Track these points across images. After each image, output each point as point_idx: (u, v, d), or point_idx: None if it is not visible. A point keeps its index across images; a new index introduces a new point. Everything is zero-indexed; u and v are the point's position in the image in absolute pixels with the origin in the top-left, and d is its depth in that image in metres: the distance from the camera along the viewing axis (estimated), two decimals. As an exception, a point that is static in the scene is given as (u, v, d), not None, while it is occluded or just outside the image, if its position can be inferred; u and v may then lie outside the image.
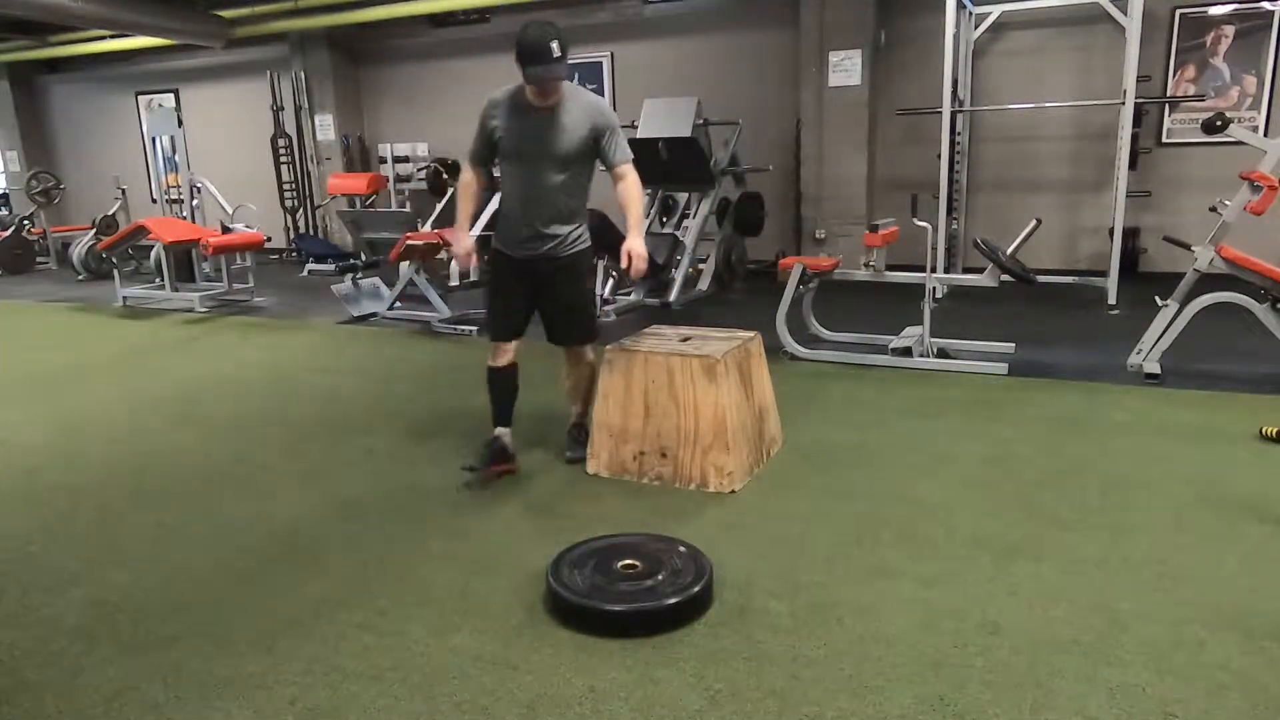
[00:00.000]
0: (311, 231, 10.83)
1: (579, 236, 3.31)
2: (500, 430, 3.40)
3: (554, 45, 2.98)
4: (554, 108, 3.13)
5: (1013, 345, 4.92)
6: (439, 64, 10.19)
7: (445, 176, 8.80)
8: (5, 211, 11.96)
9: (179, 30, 9.65)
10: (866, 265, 4.99)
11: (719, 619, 2.26)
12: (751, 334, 3.46)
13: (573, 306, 3.36)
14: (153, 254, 7.77)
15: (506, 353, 3.37)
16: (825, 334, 5.26)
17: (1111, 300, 6.18)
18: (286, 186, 10.60)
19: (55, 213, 11.17)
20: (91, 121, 12.71)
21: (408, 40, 10.19)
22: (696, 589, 2.27)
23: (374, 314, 6.63)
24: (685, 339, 3.33)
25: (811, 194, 8.11)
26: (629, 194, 3.20)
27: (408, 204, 9.53)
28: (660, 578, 2.32)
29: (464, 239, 3.37)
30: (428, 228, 8.08)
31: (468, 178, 3.37)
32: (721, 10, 8.59)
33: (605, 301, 6.48)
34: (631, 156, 3.23)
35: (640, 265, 3.13)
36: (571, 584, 2.30)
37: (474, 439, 3.77)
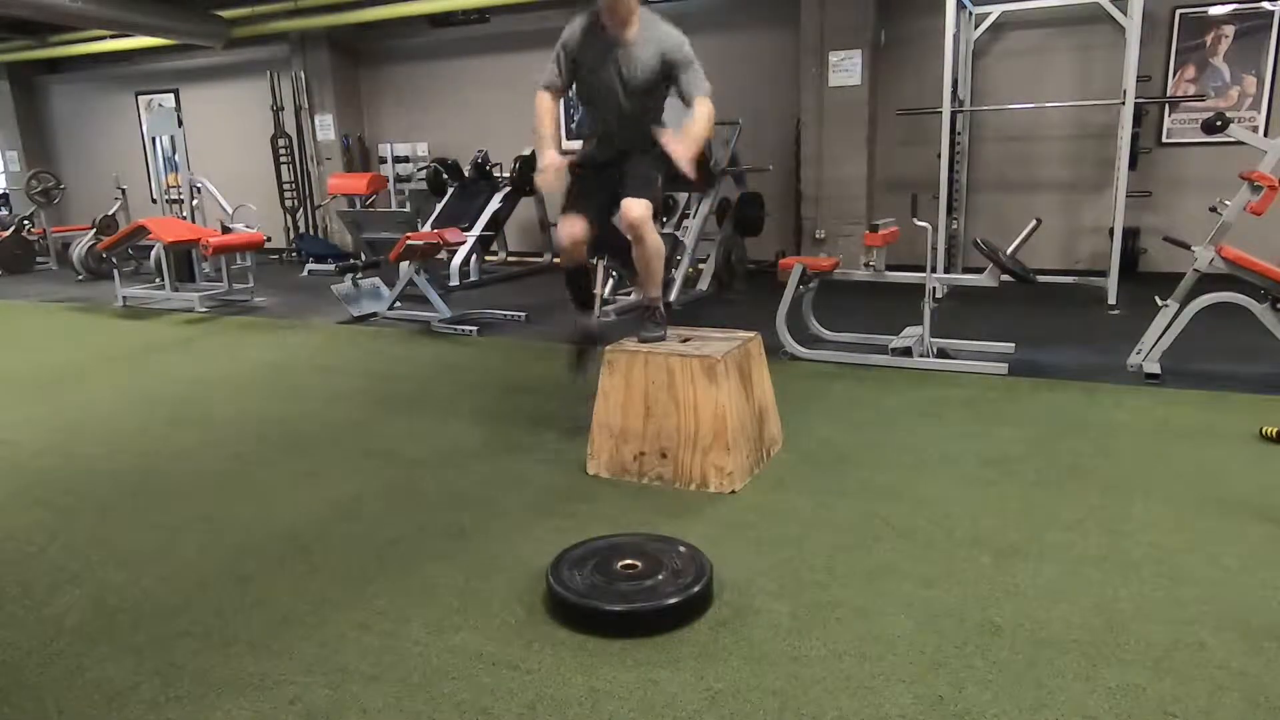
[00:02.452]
0: (311, 231, 10.84)
1: (653, 143, 3.36)
2: (584, 322, 3.63)
3: None
4: (628, 35, 3.19)
5: (1013, 345, 4.92)
6: (439, 64, 10.19)
7: (445, 176, 8.79)
8: (5, 211, 11.96)
9: (179, 30, 9.66)
10: (866, 265, 4.99)
11: (719, 619, 2.26)
12: (751, 334, 3.46)
13: (636, 169, 3.34)
14: (153, 254, 7.77)
15: (573, 243, 3.36)
16: (825, 334, 5.26)
17: (1111, 300, 6.18)
18: (286, 186, 10.60)
19: (55, 213, 11.17)
20: (91, 121, 12.71)
21: (408, 40, 10.20)
22: (696, 589, 2.26)
23: (374, 314, 6.63)
24: (685, 339, 3.33)
25: (811, 194, 8.11)
26: (696, 117, 3.24)
27: (408, 204, 9.53)
28: (660, 578, 2.32)
29: (550, 154, 3.32)
30: (428, 228, 8.08)
31: (545, 102, 3.41)
32: (721, 10, 8.59)
33: (605, 301, 6.48)
34: (709, 90, 3.25)
35: (684, 164, 3.13)
36: (571, 584, 2.29)
37: (474, 439, 3.77)
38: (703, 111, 3.24)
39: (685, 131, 3.26)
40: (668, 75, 3.26)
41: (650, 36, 3.24)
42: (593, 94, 3.38)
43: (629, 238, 3.37)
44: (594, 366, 3.44)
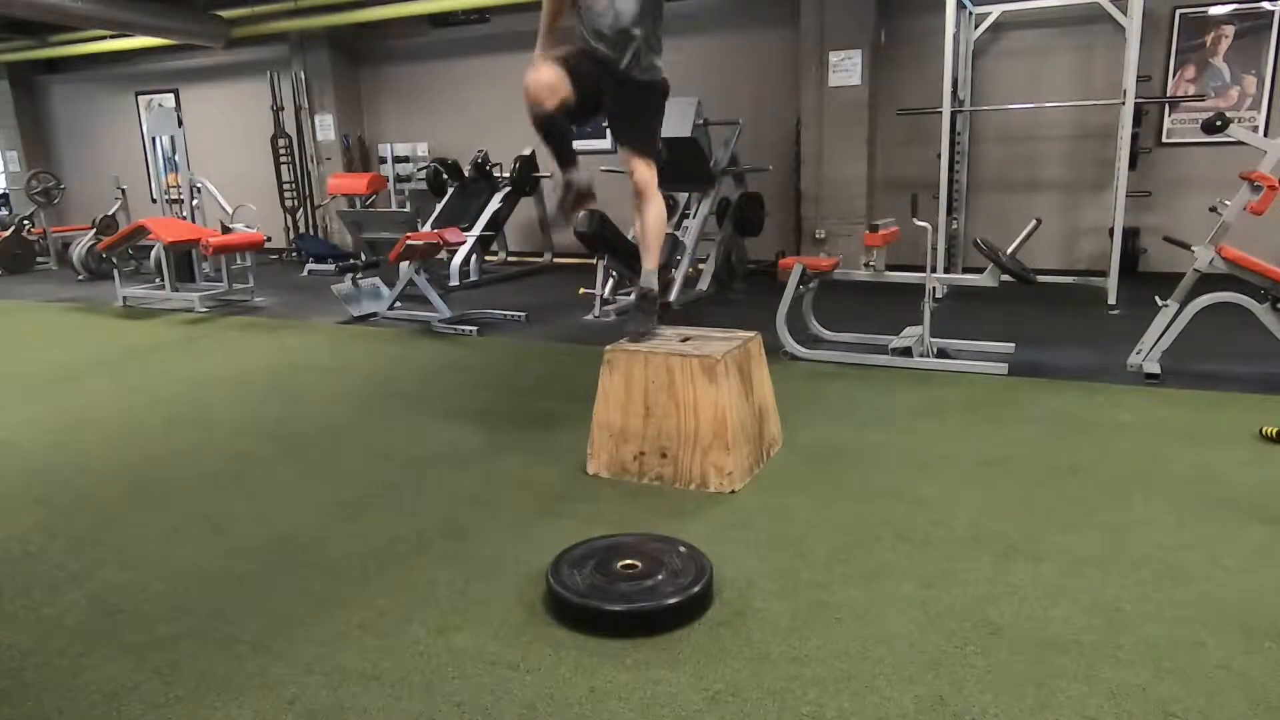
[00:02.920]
0: (311, 231, 10.84)
1: (658, 67, 3.36)
2: (569, 173, 3.36)
3: None
4: None
5: (1013, 345, 4.92)
6: (439, 64, 10.20)
7: (445, 176, 8.80)
8: (5, 211, 11.96)
9: (179, 30, 9.66)
10: (866, 265, 4.99)
11: (719, 619, 2.26)
12: (751, 334, 3.46)
13: (638, 116, 3.28)
14: (153, 254, 7.78)
15: (541, 84, 3.12)
16: (825, 334, 5.26)
17: (1111, 300, 6.18)
18: (286, 186, 10.61)
19: (55, 213, 11.17)
20: (91, 121, 12.71)
21: (408, 40, 10.20)
22: (696, 589, 2.26)
23: (374, 314, 6.63)
24: (685, 339, 3.33)
25: (811, 194, 8.11)
26: None
27: (408, 204, 9.53)
28: (660, 578, 2.32)
29: (540, 54, 3.24)
30: (428, 228, 8.08)
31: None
32: (721, 10, 8.59)
33: (605, 301, 6.48)
34: None
35: None
36: (571, 584, 2.29)
37: (474, 439, 3.77)
38: None
39: None
40: None
41: None
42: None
43: (633, 196, 3.32)
44: (585, 216, 3.31)
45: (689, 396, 3.10)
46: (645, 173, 3.31)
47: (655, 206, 3.35)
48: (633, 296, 3.48)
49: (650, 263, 3.42)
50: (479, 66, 9.85)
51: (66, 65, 12.31)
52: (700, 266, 7.16)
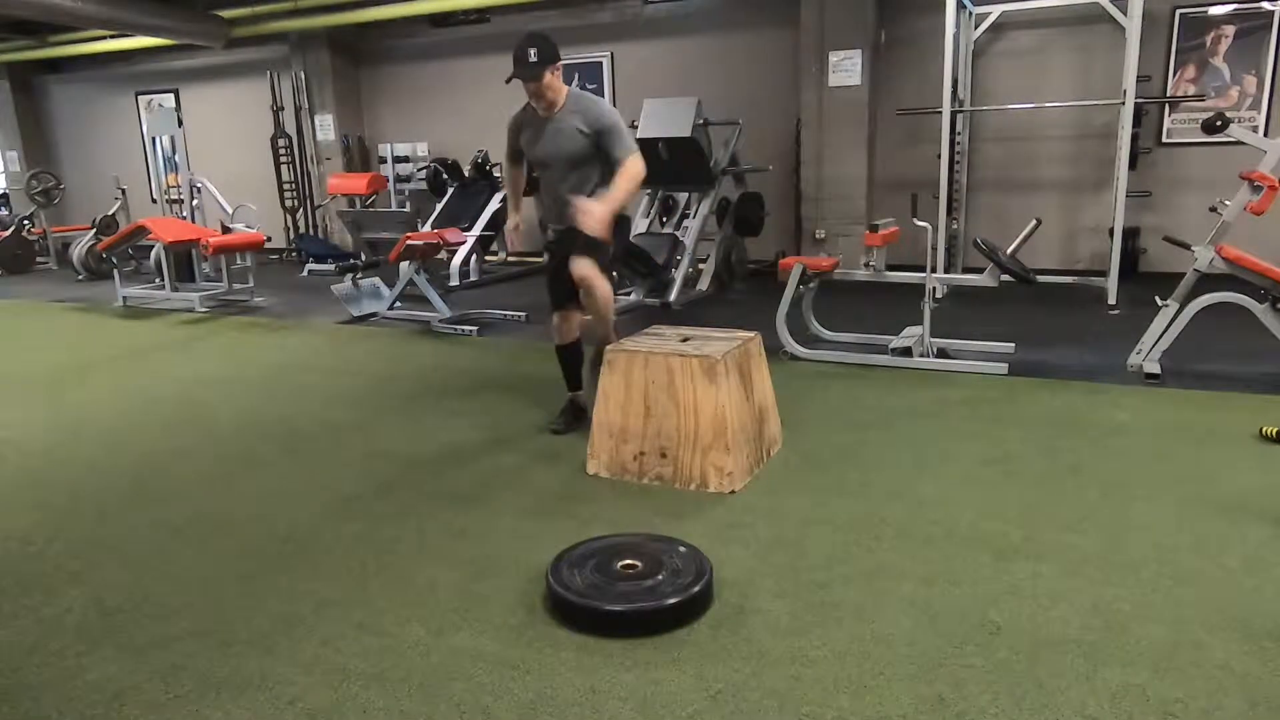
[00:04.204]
0: (311, 231, 10.84)
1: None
2: (574, 394, 3.87)
3: (531, 52, 3.36)
4: (555, 113, 3.49)
5: (1013, 345, 4.92)
6: (439, 64, 10.20)
7: (445, 176, 8.80)
8: (5, 211, 11.96)
9: (179, 30, 9.66)
10: (866, 265, 4.99)
11: (719, 619, 2.26)
12: (751, 334, 3.46)
13: (582, 235, 3.45)
14: (153, 254, 7.78)
15: (568, 323, 3.78)
16: (825, 334, 5.26)
17: (1111, 300, 6.18)
18: (286, 186, 10.61)
19: (55, 213, 11.17)
20: (91, 121, 12.71)
21: (408, 40, 10.20)
22: (696, 589, 2.26)
23: (374, 314, 6.63)
24: (685, 339, 3.33)
25: (811, 194, 8.12)
26: (620, 176, 3.41)
27: (408, 204, 9.54)
28: (660, 578, 2.32)
29: (512, 217, 4.03)
30: (428, 228, 8.08)
31: (508, 170, 3.95)
32: (721, 10, 8.59)
33: (614, 289, 6.47)
34: (635, 150, 3.47)
35: (587, 220, 3.29)
36: (571, 584, 2.29)
37: (474, 439, 3.78)
38: (631, 172, 3.42)
39: (609, 191, 3.42)
40: (598, 144, 3.47)
41: (575, 110, 3.49)
42: (540, 167, 3.65)
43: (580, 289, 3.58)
44: (579, 427, 3.69)
45: (689, 396, 3.10)
46: (582, 268, 3.51)
47: (598, 293, 3.56)
48: (595, 352, 3.78)
49: (607, 331, 3.64)
50: (479, 66, 9.85)
51: (66, 65, 12.31)
52: (700, 266, 7.16)
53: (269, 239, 8.17)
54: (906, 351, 4.78)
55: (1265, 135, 6.42)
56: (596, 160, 3.52)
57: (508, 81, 3.44)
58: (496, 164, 8.75)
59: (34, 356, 5.83)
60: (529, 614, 2.31)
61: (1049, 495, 3.00)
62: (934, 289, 4.85)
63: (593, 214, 3.30)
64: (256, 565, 2.64)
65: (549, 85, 3.41)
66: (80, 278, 9.28)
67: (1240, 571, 2.42)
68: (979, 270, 4.98)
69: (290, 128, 10.61)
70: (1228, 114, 5.62)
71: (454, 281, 7.42)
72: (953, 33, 6.40)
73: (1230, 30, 6.93)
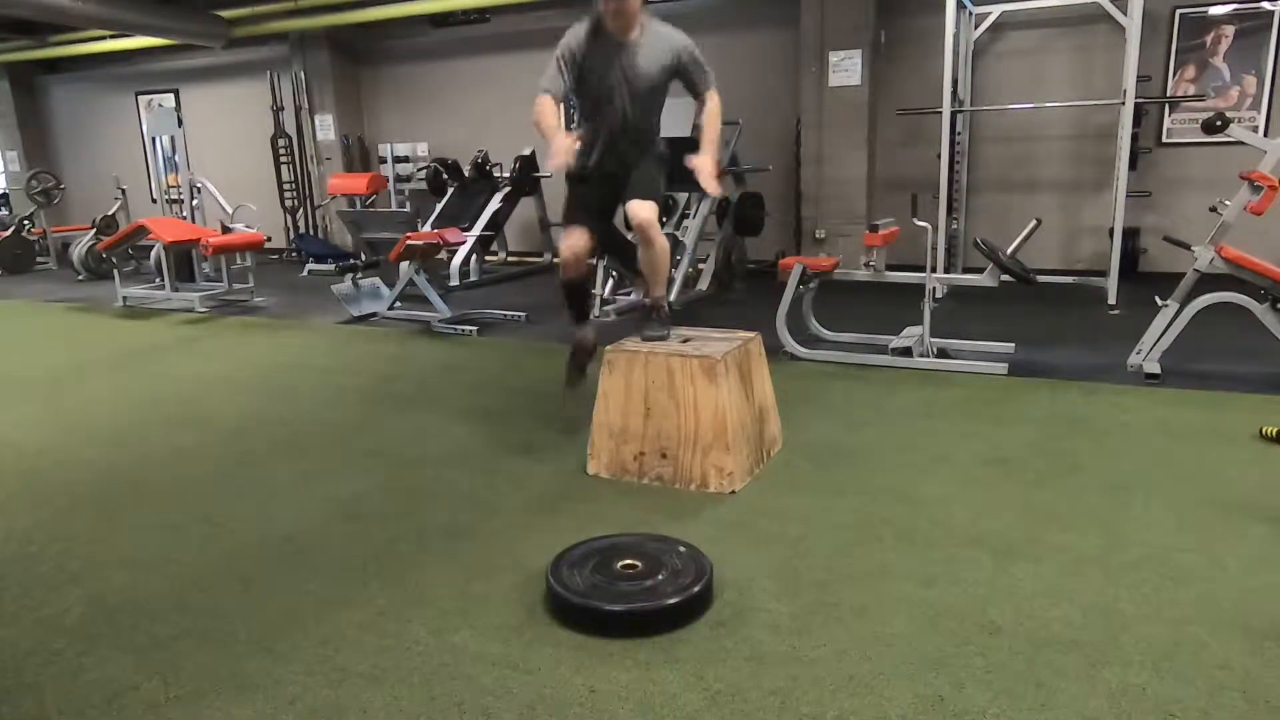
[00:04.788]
0: (311, 231, 10.84)
1: (653, 145, 3.53)
2: (581, 332, 3.64)
3: None
4: (632, 38, 3.29)
5: (1013, 345, 4.92)
6: (439, 64, 10.19)
7: (445, 176, 8.80)
8: (5, 211, 11.96)
9: (179, 30, 9.66)
10: (866, 265, 4.99)
11: (719, 619, 2.26)
12: (751, 334, 3.46)
13: (640, 174, 3.40)
14: (153, 254, 7.78)
15: (574, 256, 3.42)
16: (825, 334, 5.26)
17: (1111, 300, 6.18)
18: (286, 186, 10.60)
19: (55, 213, 11.16)
20: (91, 121, 12.71)
21: (408, 40, 10.19)
22: (696, 589, 2.26)
23: (374, 314, 6.63)
24: (685, 339, 3.33)
25: (811, 194, 8.12)
26: (709, 115, 3.38)
27: (408, 204, 9.53)
28: (660, 578, 2.32)
29: (559, 137, 3.20)
30: (428, 228, 8.08)
31: (548, 103, 3.29)
32: (721, 10, 8.59)
33: (605, 301, 6.48)
34: (715, 83, 3.42)
35: (706, 179, 3.25)
36: (571, 584, 2.29)
37: (474, 439, 3.78)
38: (713, 108, 3.41)
39: (704, 138, 3.37)
40: (676, 74, 3.36)
41: (656, 38, 3.32)
42: (598, 99, 3.38)
43: (637, 239, 3.43)
44: (590, 376, 3.55)
45: (689, 397, 3.10)
46: (646, 212, 3.35)
47: (658, 245, 3.43)
48: (643, 310, 3.60)
49: (660, 290, 3.50)
50: (479, 66, 9.85)
51: (66, 65, 12.30)
52: (700, 266, 7.16)
53: (269, 239, 8.17)
54: (906, 351, 4.77)
55: (1265, 135, 6.41)
56: (665, 91, 3.42)
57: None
58: (496, 164, 8.75)
59: (34, 356, 5.83)
60: (529, 614, 2.31)
61: (1049, 495, 3.00)
62: (934, 289, 4.85)
63: (707, 171, 3.24)
64: (256, 565, 2.64)
65: (633, 4, 3.17)
66: (80, 278, 9.28)
67: (1240, 571, 2.42)
68: (979, 270, 4.98)
69: (290, 128, 10.61)
70: (1228, 114, 5.62)
71: (454, 281, 7.42)
72: (953, 33, 6.40)
73: (1230, 30, 6.93)
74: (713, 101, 3.39)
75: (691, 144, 7.01)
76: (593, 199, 3.51)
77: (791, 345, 4.98)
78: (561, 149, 3.17)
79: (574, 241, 3.44)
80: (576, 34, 3.32)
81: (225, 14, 9.76)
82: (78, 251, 9.33)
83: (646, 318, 3.45)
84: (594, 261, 3.59)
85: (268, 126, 10.53)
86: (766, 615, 2.27)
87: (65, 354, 5.88)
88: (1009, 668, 2.01)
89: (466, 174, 8.79)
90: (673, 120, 6.76)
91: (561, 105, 3.37)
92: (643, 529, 2.74)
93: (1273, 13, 6.77)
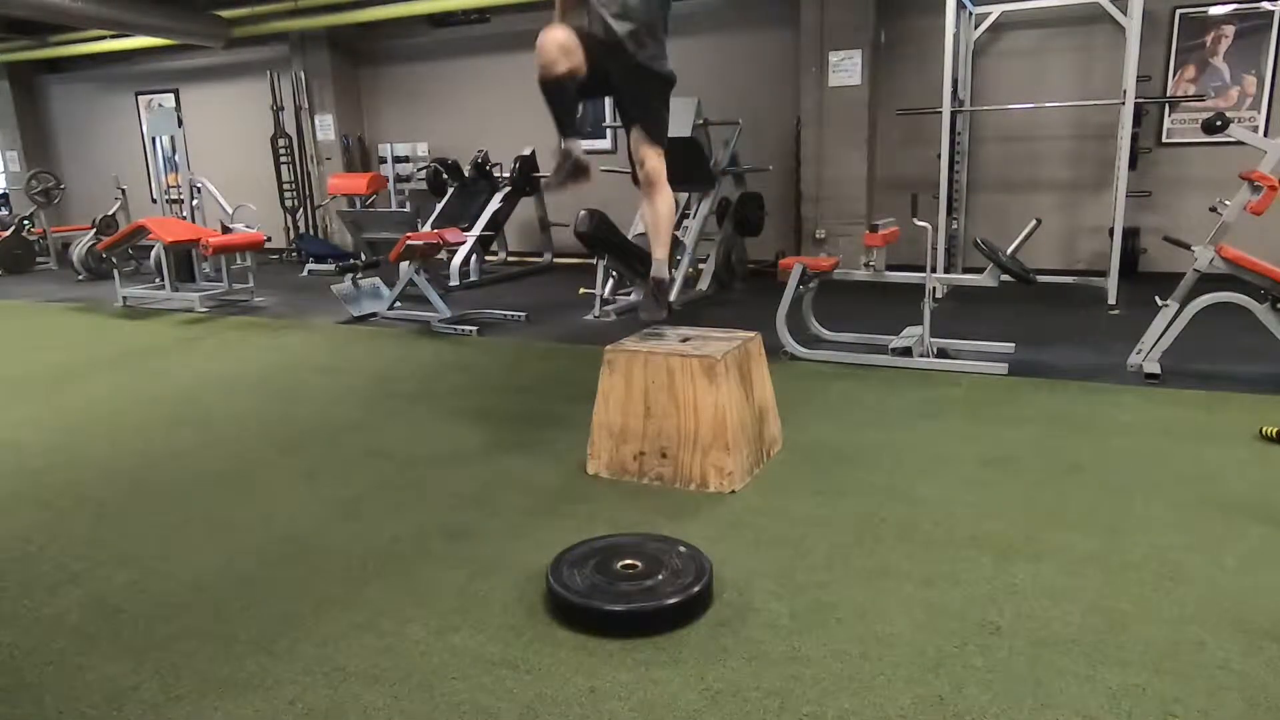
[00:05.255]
0: (311, 231, 10.83)
1: (664, 59, 3.35)
2: (569, 142, 3.25)
3: None
4: None
5: (1013, 345, 4.92)
6: (439, 64, 10.19)
7: (445, 176, 8.80)
8: (5, 211, 11.96)
9: (179, 30, 9.66)
10: (866, 265, 4.99)
11: (719, 619, 2.26)
12: (751, 334, 3.46)
13: (647, 102, 3.27)
14: (153, 254, 7.77)
15: (552, 46, 3.02)
16: (825, 334, 5.26)
17: (1111, 300, 6.18)
18: (286, 186, 10.60)
19: (55, 213, 11.17)
20: (91, 121, 12.71)
21: (408, 40, 10.19)
22: (696, 589, 2.26)
23: (374, 314, 6.63)
24: (685, 339, 3.33)
25: (811, 194, 8.12)
26: None
27: (408, 204, 9.53)
28: (660, 578, 2.32)
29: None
30: (428, 228, 8.08)
31: None
32: (721, 10, 8.59)
33: (605, 301, 6.48)
34: None
35: None
36: (571, 584, 2.29)
37: (474, 439, 3.78)
38: None
39: None
40: None
41: None
42: None
43: (640, 176, 3.30)
44: (579, 179, 3.29)
45: (689, 396, 3.10)
46: (656, 163, 3.31)
47: (665, 196, 3.35)
48: (648, 283, 3.50)
49: (661, 252, 3.43)
50: (479, 66, 9.85)
51: (66, 65, 12.30)
52: (700, 266, 7.16)
53: (269, 239, 8.17)
54: (906, 351, 4.77)
55: (1265, 135, 6.41)
56: None
57: None
58: (496, 164, 8.75)
59: (34, 356, 5.83)
60: (529, 614, 2.31)
61: (1049, 495, 3.00)
62: (934, 289, 4.85)
63: None
64: (256, 565, 2.64)
65: None
66: (80, 278, 9.27)
67: (1240, 571, 2.42)
68: (979, 270, 4.98)
69: (290, 128, 10.61)
70: (1228, 114, 5.63)
71: (454, 281, 7.42)
72: (953, 33, 6.40)
73: (1230, 30, 6.93)
74: None
75: (691, 144, 7.06)
76: (589, 40, 3.18)
77: (791, 345, 4.98)
78: (549, 36, 3.05)
79: (554, 32, 3.07)
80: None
81: (225, 14, 9.76)
82: (78, 251, 9.33)
83: (646, 294, 3.40)
84: (578, 68, 3.13)
85: (268, 126, 10.53)
86: (766, 615, 2.27)
87: (65, 354, 5.88)
88: (1009, 668, 2.01)
89: (466, 174, 8.79)
90: (672, 120, 6.80)
91: None
92: (643, 529, 2.74)
93: (1273, 13, 6.77)
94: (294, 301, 7.64)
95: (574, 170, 3.28)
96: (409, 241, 6.24)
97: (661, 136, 3.38)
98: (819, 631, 2.19)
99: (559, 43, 3.04)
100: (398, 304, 6.54)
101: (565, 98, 3.18)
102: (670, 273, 6.46)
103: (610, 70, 3.30)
